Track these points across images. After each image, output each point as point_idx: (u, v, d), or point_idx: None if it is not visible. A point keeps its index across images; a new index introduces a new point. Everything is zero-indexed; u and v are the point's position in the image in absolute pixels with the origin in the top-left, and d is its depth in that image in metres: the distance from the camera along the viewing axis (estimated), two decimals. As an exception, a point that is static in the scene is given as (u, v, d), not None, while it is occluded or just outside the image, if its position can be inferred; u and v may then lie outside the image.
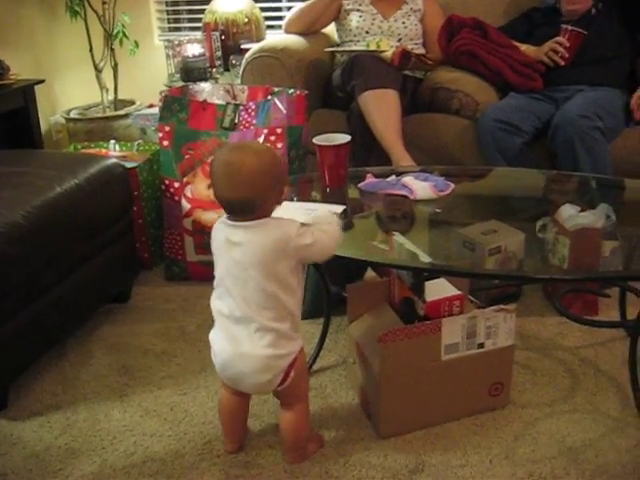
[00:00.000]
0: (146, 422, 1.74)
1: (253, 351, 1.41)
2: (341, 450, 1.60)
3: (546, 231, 1.71)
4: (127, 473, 1.57)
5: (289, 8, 3.60)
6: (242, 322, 1.41)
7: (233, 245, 1.40)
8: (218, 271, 1.44)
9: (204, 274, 2.40)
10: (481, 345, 1.63)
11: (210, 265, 2.33)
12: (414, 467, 1.55)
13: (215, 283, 1.46)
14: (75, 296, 2.02)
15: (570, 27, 2.58)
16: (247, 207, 1.38)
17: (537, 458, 1.55)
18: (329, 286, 1.86)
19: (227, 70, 3.36)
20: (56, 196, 1.93)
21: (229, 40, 3.40)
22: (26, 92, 3.01)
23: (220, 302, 1.45)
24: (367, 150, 2.50)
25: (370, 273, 2.17)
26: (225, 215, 1.43)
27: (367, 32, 2.86)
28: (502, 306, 1.62)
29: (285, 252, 1.38)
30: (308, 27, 2.95)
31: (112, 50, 3.57)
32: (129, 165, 2.37)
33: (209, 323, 2.12)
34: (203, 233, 2.34)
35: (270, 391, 1.51)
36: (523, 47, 2.70)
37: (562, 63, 2.59)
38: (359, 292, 1.77)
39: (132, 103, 3.64)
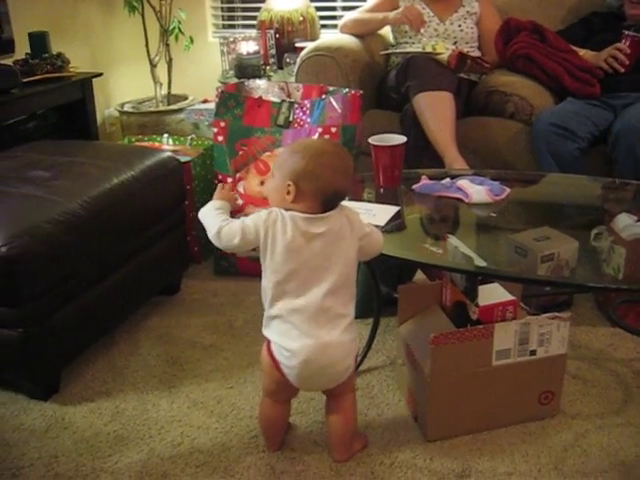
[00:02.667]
0: (193, 414, 1.76)
1: (335, 338, 1.42)
2: (387, 451, 1.60)
3: (601, 240, 1.68)
4: (174, 463, 1.59)
5: (344, 8, 3.62)
6: (319, 313, 1.40)
7: (314, 237, 1.39)
8: (287, 267, 1.40)
9: (253, 270, 2.40)
10: (533, 352, 1.60)
11: (259, 261, 2.37)
12: (460, 472, 1.54)
13: (279, 279, 1.41)
14: (127, 286, 2.05)
15: (632, 33, 2.53)
16: (344, 197, 1.44)
17: (587, 471, 1.53)
18: (380, 286, 1.86)
19: (281, 68, 3.38)
20: (113, 187, 1.96)
21: (283, 38, 3.42)
22: (84, 85, 3.07)
23: (290, 299, 1.41)
24: (419, 152, 2.48)
25: (419, 275, 2.16)
26: (284, 211, 1.41)
27: (422, 34, 2.84)
28: (556, 314, 1.60)
29: (353, 236, 1.43)
30: (363, 34, 2.94)
31: (167, 45, 3.61)
32: (183, 159, 2.39)
33: (257, 318, 2.14)
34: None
35: (344, 379, 1.48)
36: (582, 52, 2.65)
37: (622, 70, 2.54)
38: (410, 294, 1.76)
39: (185, 98, 3.68)
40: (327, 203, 1.40)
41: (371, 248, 1.49)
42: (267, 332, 1.48)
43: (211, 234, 1.47)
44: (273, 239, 1.40)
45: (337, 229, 1.41)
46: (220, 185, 1.63)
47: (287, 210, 1.41)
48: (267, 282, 1.44)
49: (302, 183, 1.37)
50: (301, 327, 1.41)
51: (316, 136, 2.26)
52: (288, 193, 1.38)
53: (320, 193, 1.38)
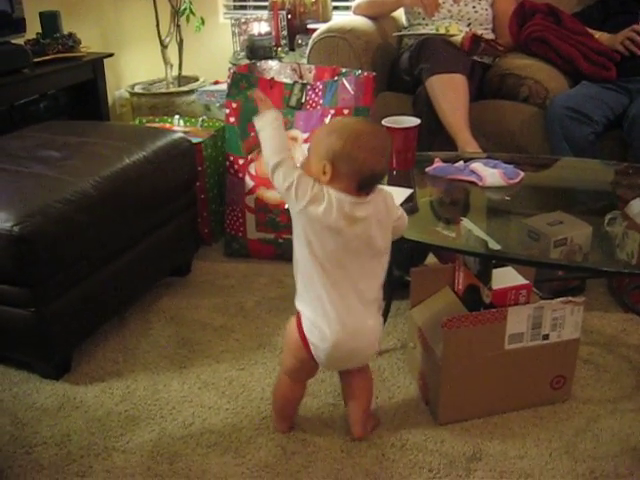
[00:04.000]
0: (204, 394, 1.76)
1: (367, 324, 1.44)
2: (398, 434, 1.60)
3: (615, 225, 1.67)
4: (185, 443, 1.59)
5: (356, -11, 3.58)
6: (354, 295, 1.41)
7: (356, 221, 1.38)
8: (325, 246, 1.38)
9: (264, 252, 2.42)
10: (546, 336, 1.60)
11: (270, 243, 2.38)
12: (471, 455, 1.53)
13: (314, 257, 1.39)
14: (138, 267, 2.05)
15: (649, 15, 2.50)
16: (382, 178, 1.42)
17: (599, 455, 1.52)
18: (392, 269, 1.85)
19: (292, 49, 3.36)
20: (124, 167, 1.95)
21: (295, 19, 3.40)
22: (95, 65, 3.05)
23: (326, 278, 1.39)
24: (432, 135, 2.46)
25: (431, 258, 2.16)
26: (331, 190, 1.37)
27: (436, 15, 2.81)
28: (570, 298, 1.59)
29: (389, 220, 1.44)
30: (376, 16, 2.91)
31: (178, 26, 3.59)
32: (194, 140, 2.38)
33: (267, 301, 2.18)
34: (265, 211, 2.35)
35: (368, 360, 1.54)
36: (597, 35, 2.62)
37: (639, 53, 2.51)
38: (423, 277, 1.75)
39: (195, 80, 3.67)
40: (363, 184, 1.38)
41: (398, 230, 1.50)
42: (300, 305, 1.47)
43: (271, 160, 1.40)
44: (314, 214, 1.37)
45: (378, 213, 1.41)
46: (261, 99, 1.51)
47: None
48: (301, 255, 1.42)
49: (339, 164, 1.35)
50: (336, 309, 1.41)
51: (328, 118, 2.25)
52: (324, 173, 1.37)
53: (357, 174, 1.36)
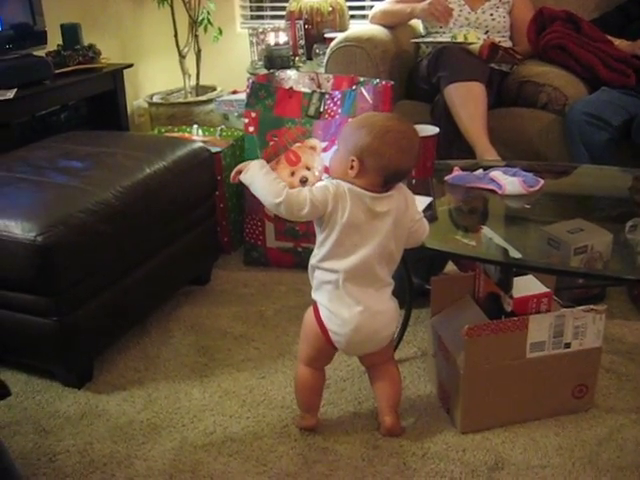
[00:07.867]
0: (225, 403, 1.77)
1: (383, 306, 1.49)
2: (419, 442, 1.60)
3: (636, 232, 1.66)
4: (207, 451, 1.60)
5: (372, -2, 3.60)
6: (368, 281, 1.46)
7: (377, 215, 1.43)
8: (347, 239, 1.43)
9: (283, 260, 2.43)
10: (568, 345, 1.59)
11: (289, 252, 2.38)
12: (493, 464, 1.53)
13: (336, 249, 1.44)
14: (158, 276, 2.07)
15: (669, 21, 2.49)
16: (406, 176, 1.48)
17: (623, 465, 1.51)
18: (412, 278, 1.85)
19: (310, 59, 3.37)
20: (145, 177, 1.97)
21: (313, 29, 3.40)
22: (115, 76, 3.08)
23: (344, 265, 1.44)
24: (450, 143, 2.47)
25: (450, 267, 2.15)
26: (350, 186, 1.42)
27: (454, 23, 2.81)
28: (592, 306, 1.58)
29: (407, 217, 1.48)
30: (391, 25, 2.92)
31: (196, 37, 3.62)
32: (213, 150, 2.39)
33: (287, 309, 2.18)
34: (284, 220, 2.35)
35: (386, 343, 1.56)
36: (617, 42, 2.61)
37: (659, 59, 2.50)
38: (443, 285, 1.75)
39: (213, 89, 3.69)
40: (388, 180, 1.43)
41: (417, 235, 1.52)
42: (317, 296, 1.52)
43: (272, 205, 1.44)
44: (341, 214, 1.42)
45: (397, 209, 1.45)
46: (238, 169, 1.56)
47: (349, 184, 1.44)
48: (322, 249, 1.47)
49: (366, 159, 1.40)
50: (353, 294, 1.45)
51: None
52: (351, 168, 1.41)
53: (383, 170, 1.41)
